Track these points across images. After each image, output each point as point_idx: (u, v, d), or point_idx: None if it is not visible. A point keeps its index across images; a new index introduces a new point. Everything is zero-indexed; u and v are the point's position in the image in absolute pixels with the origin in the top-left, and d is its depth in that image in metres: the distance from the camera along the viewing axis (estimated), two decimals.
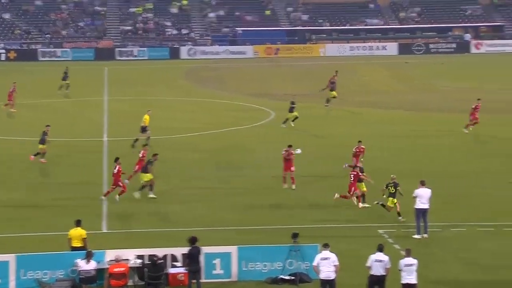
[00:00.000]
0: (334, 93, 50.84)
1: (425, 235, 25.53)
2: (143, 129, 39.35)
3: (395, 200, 27.02)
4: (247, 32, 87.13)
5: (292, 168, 31.49)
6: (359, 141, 33.67)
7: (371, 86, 61.19)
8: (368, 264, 20.35)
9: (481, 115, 43.17)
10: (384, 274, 20.20)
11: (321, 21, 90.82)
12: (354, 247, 24.41)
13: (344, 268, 20.98)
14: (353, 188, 28.82)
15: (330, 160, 36.03)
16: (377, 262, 20.24)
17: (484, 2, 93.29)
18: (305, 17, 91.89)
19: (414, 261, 20.15)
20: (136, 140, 38.96)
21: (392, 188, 27.00)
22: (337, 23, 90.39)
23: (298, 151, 32.11)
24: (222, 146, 40.39)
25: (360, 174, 29.00)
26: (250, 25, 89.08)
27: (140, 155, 31.73)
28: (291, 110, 44.43)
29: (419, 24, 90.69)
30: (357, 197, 28.91)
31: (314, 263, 20.51)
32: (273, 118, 48.62)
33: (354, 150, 33.54)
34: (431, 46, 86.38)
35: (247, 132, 44.61)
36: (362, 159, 33.13)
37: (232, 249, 22.33)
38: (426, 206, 25.63)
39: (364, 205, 28.78)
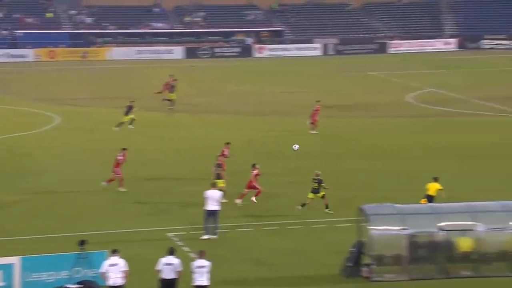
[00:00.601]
0: (173, 95, 51.53)
1: (214, 236, 25.87)
2: None
3: (320, 194, 28.35)
4: (28, 35, 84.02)
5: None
6: (227, 143, 33.30)
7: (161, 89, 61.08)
8: (158, 267, 20.27)
9: (261, 118, 44.51)
10: (175, 277, 20.19)
11: (106, 24, 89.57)
12: (145, 251, 24.23)
13: (134, 273, 20.74)
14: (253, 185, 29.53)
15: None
16: (167, 266, 20.21)
17: (265, 7, 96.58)
18: (89, 20, 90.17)
19: (207, 263, 20.32)
20: None
21: (316, 184, 28.40)
22: (122, 27, 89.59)
23: (296, 147, 33.47)
24: (4, 153, 38.61)
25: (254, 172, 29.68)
26: (31, 27, 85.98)
27: None
28: (127, 113, 44.10)
29: (204, 29, 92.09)
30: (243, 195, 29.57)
31: (102, 270, 20.16)
32: (58, 123, 47.25)
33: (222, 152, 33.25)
34: (217, 50, 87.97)
35: (31, 138, 43.02)
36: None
37: (15, 260, 21.36)
38: (216, 207, 26.01)
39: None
